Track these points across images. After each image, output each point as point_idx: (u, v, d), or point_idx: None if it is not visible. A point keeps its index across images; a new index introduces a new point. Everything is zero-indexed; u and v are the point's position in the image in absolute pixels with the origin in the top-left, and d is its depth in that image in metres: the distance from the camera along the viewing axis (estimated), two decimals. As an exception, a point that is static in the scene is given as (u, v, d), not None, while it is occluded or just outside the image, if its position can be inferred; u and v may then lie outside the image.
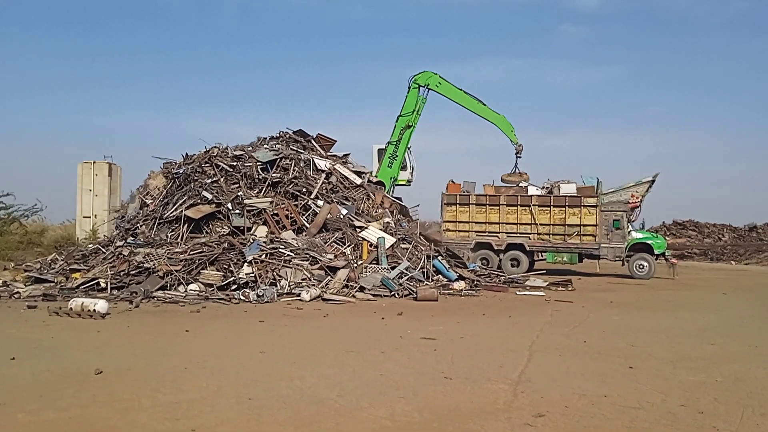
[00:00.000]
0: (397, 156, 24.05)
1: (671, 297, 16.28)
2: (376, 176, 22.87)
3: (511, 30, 78.08)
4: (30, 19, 68.21)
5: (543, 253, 22.74)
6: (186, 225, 16.38)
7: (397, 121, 24.14)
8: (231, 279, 14.19)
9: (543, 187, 22.94)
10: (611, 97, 76.36)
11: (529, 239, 21.97)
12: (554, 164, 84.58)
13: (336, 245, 16.23)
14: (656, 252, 21.71)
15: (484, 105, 23.31)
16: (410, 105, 24.02)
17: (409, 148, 24.51)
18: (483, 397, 6.15)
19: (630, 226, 21.68)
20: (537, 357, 8.10)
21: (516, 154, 23.30)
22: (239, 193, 17.15)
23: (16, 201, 23.15)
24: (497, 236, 22.22)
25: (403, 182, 24.62)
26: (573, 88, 76.66)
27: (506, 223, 22.18)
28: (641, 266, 21.44)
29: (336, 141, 21.22)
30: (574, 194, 21.96)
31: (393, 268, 15.62)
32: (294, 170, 18.24)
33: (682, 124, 73.17)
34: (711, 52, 72.17)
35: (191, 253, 14.85)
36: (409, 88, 24.10)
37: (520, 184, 22.93)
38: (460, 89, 23.51)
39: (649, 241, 21.88)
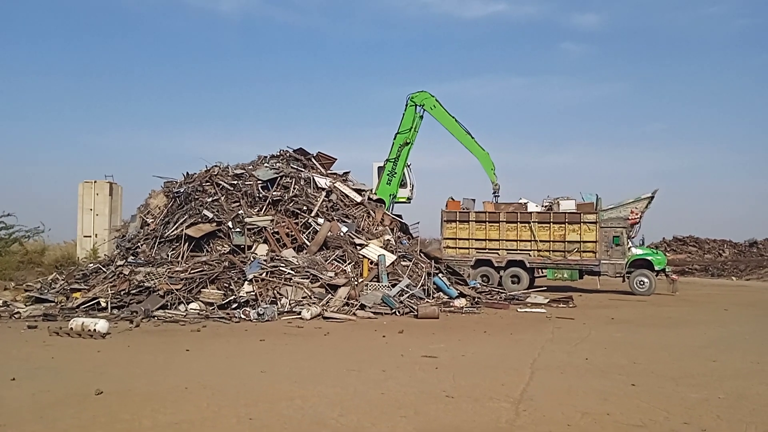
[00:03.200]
0: (395, 173, 24.15)
1: (672, 313, 16.24)
2: (375, 193, 22.94)
3: (512, 48, 78.50)
4: (29, 38, 68.79)
5: (543, 270, 22.72)
6: (187, 244, 16.40)
7: (395, 139, 24.29)
8: (231, 298, 14.17)
9: (543, 204, 22.99)
10: (612, 113, 76.50)
11: (530, 256, 21.97)
12: (555, 181, 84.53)
13: (336, 263, 16.23)
14: (656, 268, 21.68)
15: (472, 138, 23.44)
16: (407, 122, 24.20)
17: (408, 166, 24.60)
18: (485, 415, 6.13)
19: (630, 242, 21.69)
20: (539, 375, 8.08)
21: (494, 193, 23.34)
22: (240, 212, 17.18)
23: (17, 221, 23.22)
24: (497, 253, 22.23)
25: (403, 200, 24.66)
26: (574, 105, 76.85)
27: (506, 240, 22.20)
28: (642, 282, 21.42)
29: (336, 159, 21.33)
30: (574, 211, 22.01)
31: (394, 285, 15.61)
32: (294, 188, 18.30)
33: (683, 140, 73.21)
34: (712, 68, 72.52)
35: (192, 271, 14.84)
36: (406, 105, 24.30)
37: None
38: (453, 117, 23.64)
39: (649, 257, 21.87)
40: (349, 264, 16.25)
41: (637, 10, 72.90)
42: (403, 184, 24.50)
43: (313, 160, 20.72)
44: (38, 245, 23.60)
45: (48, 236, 24.18)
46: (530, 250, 21.97)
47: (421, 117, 24.22)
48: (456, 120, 23.58)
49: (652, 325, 13.85)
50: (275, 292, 14.45)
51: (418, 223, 22.05)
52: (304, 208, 17.90)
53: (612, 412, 6.28)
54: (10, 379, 7.43)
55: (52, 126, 69.88)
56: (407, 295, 15.35)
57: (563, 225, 21.75)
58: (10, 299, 15.49)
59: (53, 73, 70.18)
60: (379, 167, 24.83)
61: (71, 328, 10.88)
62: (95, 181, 22.21)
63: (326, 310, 13.79)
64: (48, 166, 67.62)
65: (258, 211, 17.56)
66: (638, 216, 21.71)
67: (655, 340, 11.54)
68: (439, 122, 23.87)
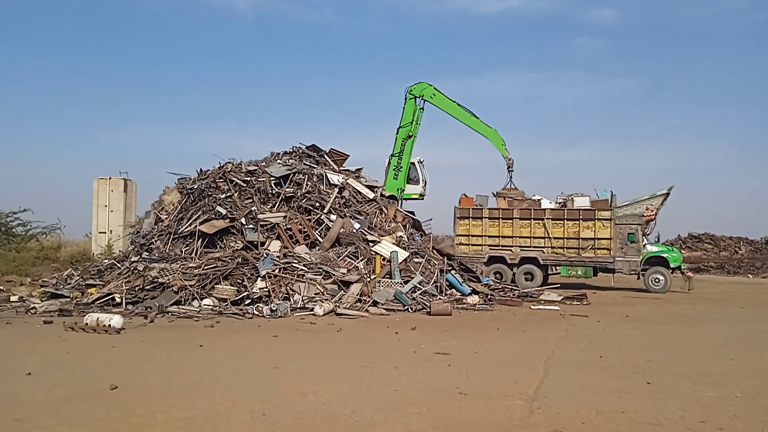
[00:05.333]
0: (401, 167, 24.08)
1: (688, 311, 16.09)
2: (384, 188, 22.90)
3: (526, 43, 78.16)
4: (44, 36, 69.44)
5: (557, 267, 22.60)
6: (200, 240, 16.47)
7: (397, 133, 24.21)
8: (245, 294, 14.22)
9: (557, 201, 22.84)
10: (627, 109, 75.99)
11: (543, 253, 21.84)
12: (569, 177, 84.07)
13: (349, 259, 16.23)
14: (672, 265, 21.50)
15: (477, 118, 23.36)
16: (408, 116, 24.14)
17: (421, 162, 24.49)
18: (498, 413, 6.10)
19: (645, 240, 21.50)
20: (553, 372, 8.03)
21: (508, 168, 23.27)
22: (253, 208, 17.24)
23: (33, 217, 23.52)
24: (511, 250, 22.12)
25: (416, 196, 24.56)
26: (588, 100, 76.39)
27: (520, 237, 22.09)
28: (657, 280, 21.24)
29: (349, 156, 21.31)
30: (588, 207, 21.84)
31: (406, 282, 15.59)
32: (307, 185, 18.32)
33: (698, 136, 72.70)
34: (727, 63, 71.82)
35: (205, 268, 14.91)
36: (405, 99, 24.24)
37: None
38: (454, 101, 23.60)
39: (664, 255, 21.68)
40: (361, 260, 16.25)
41: (653, 4, 72.41)
42: (416, 181, 24.39)
43: (325, 156, 20.73)
44: (54, 241, 23.86)
45: (63, 232, 24.47)
46: (544, 247, 21.84)
47: (422, 109, 24.15)
48: (458, 104, 23.52)
49: (668, 322, 13.73)
50: (288, 288, 14.48)
51: (430, 219, 22.04)
52: (317, 204, 17.91)
53: (627, 410, 6.22)
54: (26, 373, 7.50)
55: (67, 123, 70.66)
56: (420, 291, 15.33)
57: (577, 222, 21.60)
58: (26, 295, 15.66)
59: (68, 71, 70.89)
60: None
61: (86, 324, 10.97)
62: (110, 178, 22.39)
63: (339, 307, 13.80)
64: (63, 163, 68.34)
65: (271, 207, 17.59)
66: (653, 213, 21.54)
67: (670, 337, 11.43)
68: (441, 110, 23.77)
